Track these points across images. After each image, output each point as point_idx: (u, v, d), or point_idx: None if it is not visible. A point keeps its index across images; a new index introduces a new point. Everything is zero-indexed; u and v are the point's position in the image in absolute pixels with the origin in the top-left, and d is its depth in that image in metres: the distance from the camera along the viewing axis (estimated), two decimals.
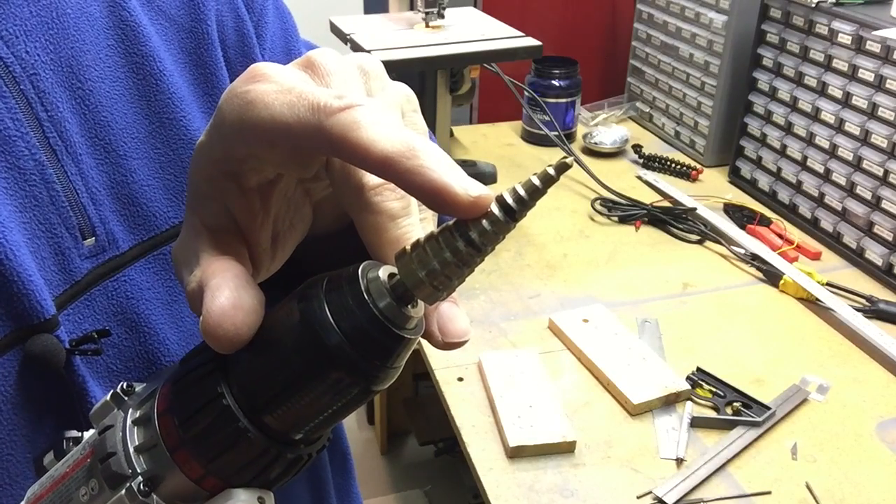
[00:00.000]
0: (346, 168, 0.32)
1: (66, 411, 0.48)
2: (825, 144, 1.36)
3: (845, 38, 1.29)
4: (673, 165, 1.62)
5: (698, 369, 1.04)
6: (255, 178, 0.35)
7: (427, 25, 1.43)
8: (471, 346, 1.09)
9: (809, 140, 1.40)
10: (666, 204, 1.48)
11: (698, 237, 1.39)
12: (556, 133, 1.62)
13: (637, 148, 1.68)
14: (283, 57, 0.68)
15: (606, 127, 1.76)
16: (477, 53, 1.36)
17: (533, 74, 1.73)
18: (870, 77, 1.25)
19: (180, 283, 0.35)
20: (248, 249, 0.36)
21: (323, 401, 0.31)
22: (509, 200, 0.29)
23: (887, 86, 1.22)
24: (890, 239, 1.25)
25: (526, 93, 1.68)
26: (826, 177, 1.37)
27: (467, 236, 0.29)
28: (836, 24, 1.30)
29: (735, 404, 0.98)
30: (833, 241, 1.36)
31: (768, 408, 0.97)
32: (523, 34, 1.41)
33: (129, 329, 0.51)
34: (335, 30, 1.47)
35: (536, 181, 0.28)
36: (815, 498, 0.87)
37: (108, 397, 0.37)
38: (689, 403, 0.99)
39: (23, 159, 0.45)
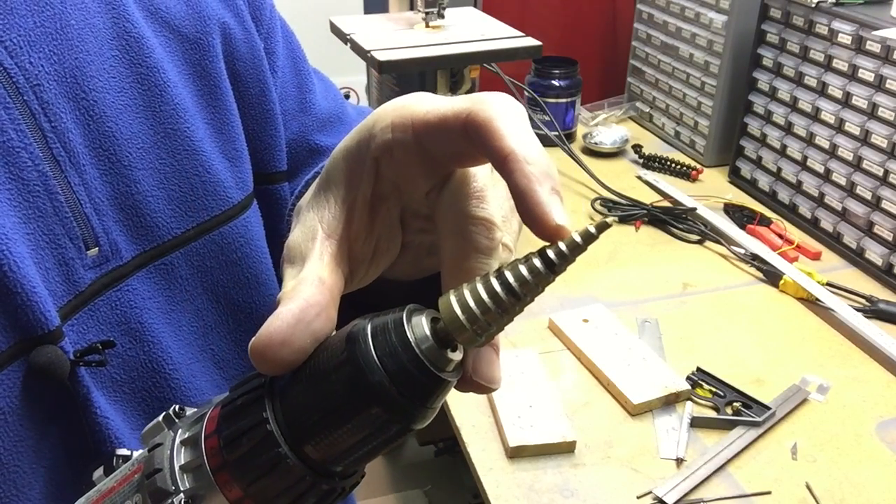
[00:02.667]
0: (457, 195, 0.35)
1: (71, 422, 0.48)
2: (825, 144, 1.36)
3: (845, 38, 1.29)
4: (673, 165, 1.62)
5: (698, 369, 1.04)
6: (371, 187, 0.36)
7: (427, 25, 1.43)
8: None
9: (809, 140, 1.40)
10: (666, 204, 1.48)
11: (698, 237, 1.39)
12: (556, 133, 1.62)
13: (637, 148, 1.69)
14: (294, 89, 0.68)
15: (606, 127, 1.76)
16: (477, 53, 1.36)
17: (533, 74, 1.73)
18: (870, 77, 1.25)
19: (280, 278, 0.37)
20: (350, 261, 0.37)
21: (362, 436, 0.32)
22: (551, 255, 0.31)
23: (887, 86, 1.22)
24: (890, 239, 1.25)
25: (526, 93, 1.68)
26: (826, 177, 1.37)
27: (508, 285, 0.31)
28: (836, 24, 1.30)
29: (735, 404, 0.98)
30: (833, 241, 1.36)
31: (768, 408, 0.97)
32: (523, 34, 1.41)
33: (133, 339, 0.51)
34: (335, 30, 1.47)
35: (578, 239, 0.31)
36: (815, 498, 0.87)
37: (160, 418, 0.38)
38: (689, 403, 0.99)
39: (26, 170, 0.45)
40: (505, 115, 0.32)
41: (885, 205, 1.25)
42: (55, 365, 0.45)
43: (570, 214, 1.47)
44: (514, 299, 0.30)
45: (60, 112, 0.47)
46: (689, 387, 1.00)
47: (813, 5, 1.34)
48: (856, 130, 1.29)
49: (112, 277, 0.50)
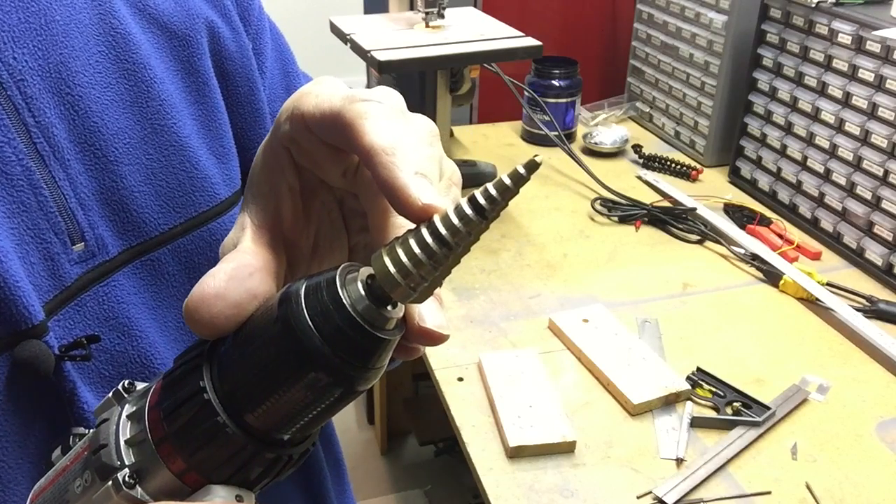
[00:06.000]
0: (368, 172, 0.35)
1: (57, 417, 0.48)
2: (825, 144, 1.36)
3: (845, 38, 1.29)
4: (673, 165, 1.62)
5: (698, 369, 1.04)
6: (296, 179, 0.38)
7: (427, 25, 1.43)
8: (471, 346, 1.09)
9: (809, 140, 1.40)
10: (666, 204, 1.48)
11: (698, 237, 1.39)
12: (556, 133, 1.62)
13: (637, 148, 1.69)
14: (283, 91, 0.69)
15: (606, 127, 1.76)
16: (477, 53, 1.36)
17: (533, 74, 1.73)
18: (870, 77, 1.25)
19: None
20: (288, 252, 0.38)
21: (303, 401, 0.31)
22: (481, 199, 0.29)
23: (887, 86, 1.22)
24: (890, 239, 1.25)
25: (526, 93, 1.68)
26: (826, 177, 1.37)
27: (438, 234, 0.29)
28: (836, 24, 1.30)
29: (735, 404, 0.98)
30: (833, 241, 1.36)
31: (768, 408, 0.97)
32: (523, 34, 1.41)
33: (120, 334, 0.51)
34: (335, 30, 1.47)
35: (507, 180, 0.29)
36: (815, 498, 0.87)
37: (110, 394, 0.37)
38: (689, 403, 0.99)
39: (9, 165, 0.45)
40: (370, 111, 0.33)
41: (885, 205, 1.25)
42: (39, 359, 0.45)
43: (571, 215, 1.46)
44: (446, 250, 0.29)
45: (44, 107, 0.47)
46: (689, 387, 1.00)
47: (813, 5, 1.34)
48: (856, 130, 1.29)
49: (98, 272, 0.50)
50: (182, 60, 0.57)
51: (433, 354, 1.08)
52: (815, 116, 1.38)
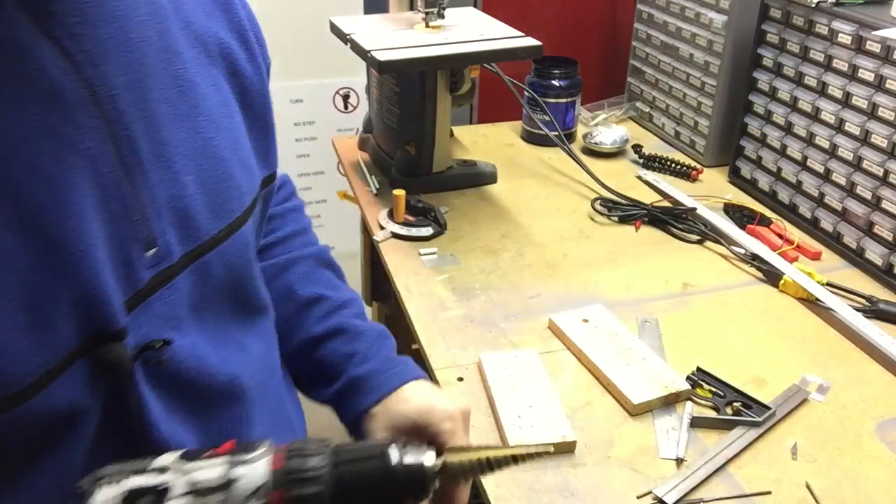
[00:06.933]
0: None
1: (126, 414, 0.51)
2: (825, 144, 1.36)
3: (845, 38, 1.29)
4: (673, 165, 1.62)
5: (698, 369, 1.04)
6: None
7: (427, 25, 1.43)
8: (471, 346, 1.09)
9: (809, 140, 1.40)
10: (666, 204, 1.48)
11: (698, 237, 1.39)
12: (556, 133, 1.62)
13: (637, 148, 1.69)
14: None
15: (606, 127, 1.76)
16: (477, 53, 1.36)
17: (533, 74, 1.73)
18: (870, 77, 1.25)
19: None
20: None
21: None
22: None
23: (887, 86, 1.22)
24: (890, 239, 1.25)
25: (526, 93, 1.68)
26: (826, 177, 1.37)
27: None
28: (836, 24, 1.30)
29: (735, 404, 0.98)
30: (833, 241, 1.36)
31: (768, 408, 0.97)
32: (523, 34, 1.41)
33: (176, 334, 0.54)
34: (335, 30, 1.47)
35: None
36: (815, 498, 0.87)
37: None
38: (689, 403, 0.99)
39: (105, 176, 0.48)
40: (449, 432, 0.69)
41: (885, 205, 1.25)
42: (119, 362, 0.48)
43: (571, 215, 1.47)
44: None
45: (130, 121, 0.49)
46: (689, 386, 1.00)
47: (813, 5, 1.34)
48: (856, 130, 1.29)
49: (164, 276, 0.53)
50: (215, 77, 0.59)
51: (433, 354, 1.08)
52: (815, 116, 1.38)
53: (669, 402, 0.99)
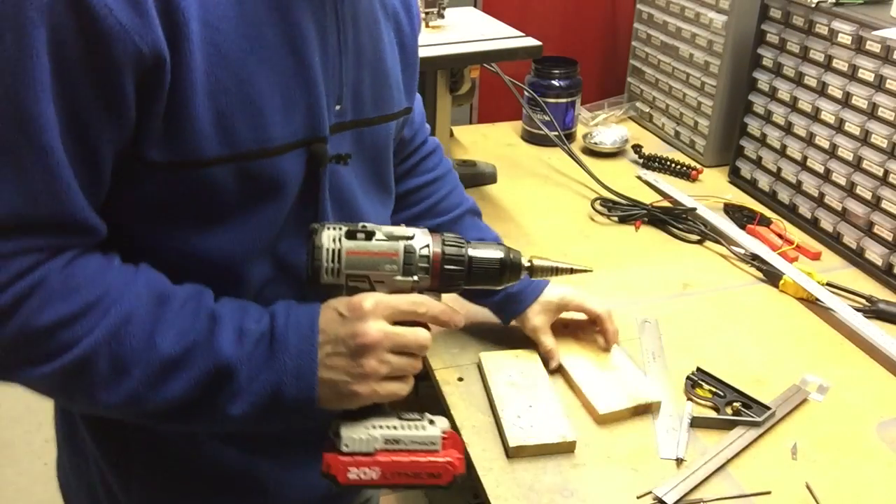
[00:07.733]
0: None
1: (311, 198, 0.76)
2: (825, 144, 1.36)
3: (845, 38, 1.29)
4: (673, 165, 1.62)
5: (698, 369, 1.04)
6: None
7: (427, 25, 1.43)
8: (471, 346, 1.09)
9: (809, 140, 1.40)
10: (666, 204, 1.48)
11: (698, 237, 1.39)
12: (556, 133, 1.62)
13: (637, 148, 1.69)
14: None
15: (606, 127, 1.76)
16: (477, 53, 1.36)
17: (533, 74, 1.73)
18: (870, 77, 1.25)
19: None
20: None
21: None
22: None
23: (887, 86, 1.22)
24: (890, 239, 1.25)
25: (526, 93, 1.68)
26: (826, 177, 1.37)
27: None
28: (836, 24, 1.30)
29: (735, 404, 0.98)
30: (833, 241, 1.36)
31: (768, 408, 0.97)
32: (523, 34, 1.41)
33: (344, 164, 0.79)
34: None
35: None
36: (815, 498, 0.87)
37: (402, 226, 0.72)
38: (689, 403, 0.98)
39: (330, 48, 0.73)
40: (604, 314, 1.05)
41: (885, 205, 1.25)
42: (322, 157, 0.73)
43: (571, 215, 1.47)
44: None
45: (347, 29, 0.75)
46: (687, 387, 1.00)
47: (813, 5, 1.34)
48: (856, 130, 1.29)
49: (340, 126, 0.77)
50: (389, 29, 0.84)
51: (433, 354, 1.08)
52: (815, 116, 1.38)
53: (639, 412, 0.97)
